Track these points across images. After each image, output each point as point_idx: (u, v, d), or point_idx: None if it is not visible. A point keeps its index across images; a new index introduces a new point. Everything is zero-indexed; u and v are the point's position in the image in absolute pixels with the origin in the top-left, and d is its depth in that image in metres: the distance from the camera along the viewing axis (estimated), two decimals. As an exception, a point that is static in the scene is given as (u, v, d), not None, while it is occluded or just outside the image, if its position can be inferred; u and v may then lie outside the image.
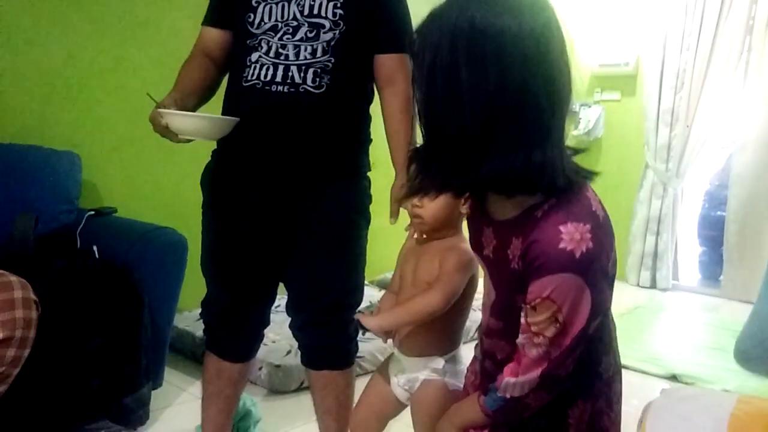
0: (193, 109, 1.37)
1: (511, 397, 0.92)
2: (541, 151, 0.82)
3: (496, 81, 0.79)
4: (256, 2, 1.39)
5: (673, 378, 2.62)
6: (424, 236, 1.27)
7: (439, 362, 1.24)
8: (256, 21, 1.39)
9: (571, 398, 0.96)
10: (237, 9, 1.42)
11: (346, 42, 1.37)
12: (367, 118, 1.50)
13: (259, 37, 1.38)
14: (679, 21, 4.31)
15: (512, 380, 0.91)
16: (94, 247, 1.91)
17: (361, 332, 1.58)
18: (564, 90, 0.88)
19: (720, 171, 5.07)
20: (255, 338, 1.60)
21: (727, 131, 4.47)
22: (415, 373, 1.25)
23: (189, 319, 2.51)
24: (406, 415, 1.32)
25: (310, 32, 1.36)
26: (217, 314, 1.55)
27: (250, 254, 1.46)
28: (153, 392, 1.91)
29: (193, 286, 2.05)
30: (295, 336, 1.55)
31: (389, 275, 1.41)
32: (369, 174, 1.53)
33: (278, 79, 1.36)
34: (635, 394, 2.47)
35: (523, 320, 0.90)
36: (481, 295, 1.09)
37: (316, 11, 1.36)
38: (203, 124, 1.29)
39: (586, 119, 4.85)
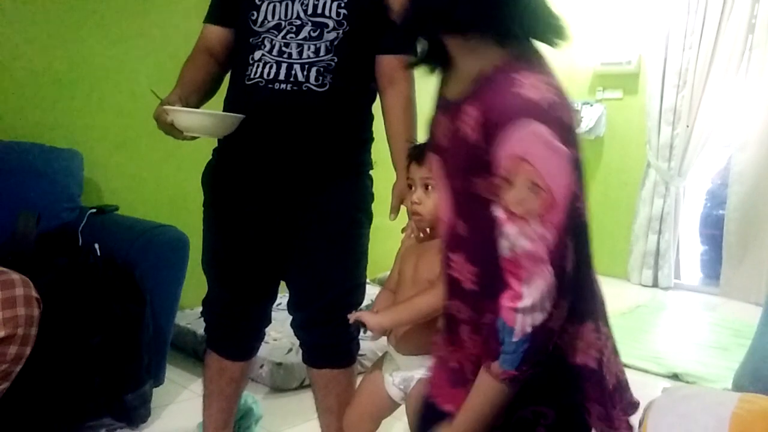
0: (196, 107, 1.38)
1: (534, 329, 0.75)
2: None
3: None
4: (259, 0, 1.39)
5: (675, 377, 2.62)
6: (423, 235, 1.27)
7: None
8: (260, 19, 1.39)
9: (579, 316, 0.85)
10: (240, 7, 1.42)
11: (350, 42, 1.37)
12: (369, 117, 1.50)
13: (263, 36, 1.38)
14: (682, 19, 4.30)
15: (521, 305, 0.75)
16: (96, 245, 1.92)
17: (362, 330, 1.58)
18: None
19: (722, 170, 5.06)
20: (256, 337, 1.60)
21: (729, 130, 4.46)
22: (410, 372, 1.25)
23: (190, 316, 2.51)
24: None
25: (314, 31, 1.36)
26: (218, 313, 1.55)
27: (251, 253, 1.46)
28: (155, 390, 1.92)
29: (195, 284, 2.05)
30: (296, 334, 1.55)
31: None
32: (371, 172, 1.53)
33: (281, 77, 1.35)
34: (636, 391, 2.46)
35: (500, 214, 0.76)
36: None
37: (320, 10, 1.36)
38: (209, 121, 1.29)
39: (587, 118, 4.84)
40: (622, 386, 0.98)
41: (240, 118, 1.32)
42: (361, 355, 1.80)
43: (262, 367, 2.20)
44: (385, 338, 1.31)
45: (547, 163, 0.74)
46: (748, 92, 4.11)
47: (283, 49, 1.36)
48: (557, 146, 0.74)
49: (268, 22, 1.38)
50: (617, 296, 4.28)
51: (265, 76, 1.36)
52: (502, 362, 0.78)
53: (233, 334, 1.56)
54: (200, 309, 2.38)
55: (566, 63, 5.05)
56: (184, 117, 1.24)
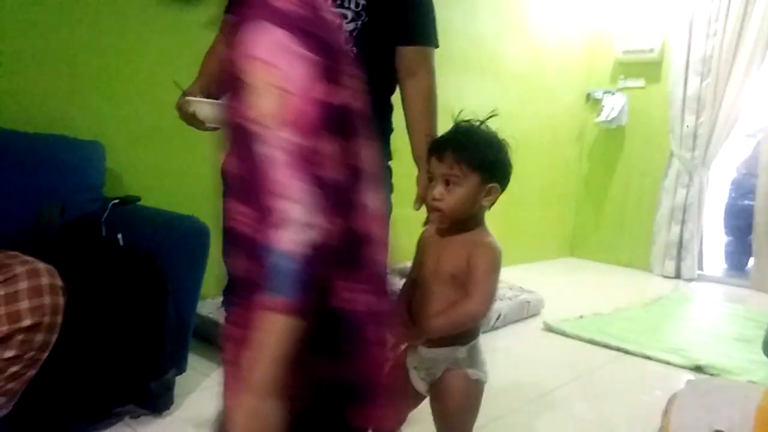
0: (217, 98, 1.38)
1: (301, 248, 0.65)
2: None
3: None
4: None
5: (698, 369, 2.59)
6: (445, 225, 1.26)
7: (461, 352, 1.23)
8: None
9: None
10: None
11: (369, 32, 1.37)
12: (388, 109, 1.50)
13: None
14: (705, 6, 4.22)
15: (281, 220, 0.65)
16: (119, 235, 1.94)
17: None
18: None
19: (747, 159, 4.97)
20: None
21: (755, 118, 4.38)
22: (435, 364, 1.25)
23: (211, 306, 2.53)
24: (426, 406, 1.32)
25: None
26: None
27: None
28: (177, 378, 1.94)
29: (216, 274, 2.07)
30: None
31: (410, 264, 1.40)
32: (390, 163, 1.52)
33: None
34: (659, 384, 2.45)
35: (249, 125, 0.70)
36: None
37: (339, 1, 1.35)
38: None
39: (609, 107, 4.78)
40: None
41: None
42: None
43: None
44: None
45: (289, 68, 0.69)
46: (775, 79, 4.02)
47: None
48: (302, 53, 0.71)
49: None
50: (639, 288, 4.23)
51: None
52: (272, 288, 0.68)
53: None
54: (221, 299, 2.39)
55: (587, 51, 4.99)
56: (206, 108, 1.25)
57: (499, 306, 2.98)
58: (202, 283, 2.04)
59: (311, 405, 0.79)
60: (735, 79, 4.18)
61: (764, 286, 4.19)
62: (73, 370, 1.63)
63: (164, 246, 1.95)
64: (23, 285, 1.39)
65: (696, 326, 3.36)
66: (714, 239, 5.06)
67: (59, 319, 1.44)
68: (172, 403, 1.88)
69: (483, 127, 1.24)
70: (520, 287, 3.41)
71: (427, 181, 1.28)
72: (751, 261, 4.43)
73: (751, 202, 4.40)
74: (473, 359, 1.25)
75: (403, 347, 1.34)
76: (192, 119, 1.27)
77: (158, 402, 1.85)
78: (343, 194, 0.73)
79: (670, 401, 1.42)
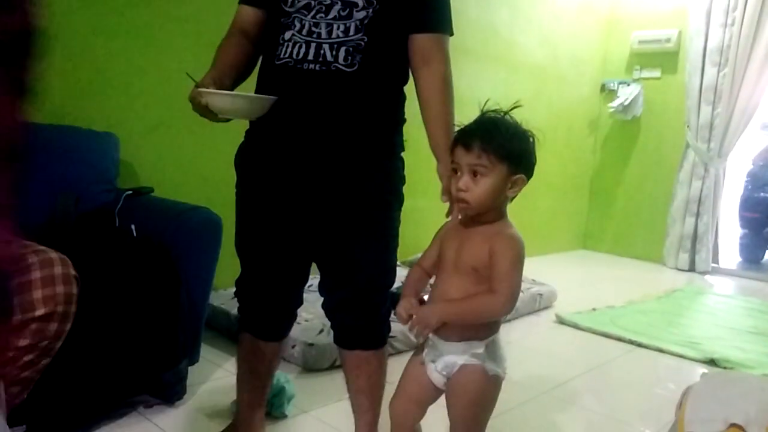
0: (230, 88, 1.38)
1: None
2: None
3: None
4: None
5: (712, 362, 2.57)
6: (471, 215, 1.25)
7: (479, 347, 1.22)
8: None
9: None
10: None
11: (380, 21, 1.35)
12: (401, 98, 1.48)
13: (293, 16, 1.37)
14: (724, -5, 4.16)
15: None
16: (132, 226, 1.95)
17: (393, 312, 1.58)
18: None
19: (764, 150, 4.91)
20: (288, 318, 1.61)
21: (772, 109, 4.32)
22: (453, 358, 1.24)
23: (224, 297, 2.55)
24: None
25: (343, 10, 1.34)
26: (251, 294, 1.56)
27: (282, 234, 1.46)
28: (190, 368, 1.95)
29: (228, 265, 2.08)
30: (327, 316, 1.55)
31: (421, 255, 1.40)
32: (402, 154, 1.51)
33: (310, 57, 1.34)
34: (672, 377, 2.43)
35: None
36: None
37: None
38: (242, 103, 1.29)
39: (624, 97, 4.73)
40: None
41: (273, 99, 1.32)
42: (392, 336, 1.80)
43: (294, 347, 2.22)
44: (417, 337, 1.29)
45: None
46: (794, 70, 3.96)
47: (313, 28, 1.35)
48: None
49: (299, 2, 1.37)
50: (652, 280, 4.20)
51: (294, 56, 1.35)
52: None
53: (266, 315, 1.57)
54: (233, 290, 2.41)
55: (602, 41, 4.94)
56: (218, 99, 1.25)
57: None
58: (214, 273, 2.05)
59: None
60: (752, 70, 4.12)
61: (780, 279, 4.14)
62: (87, 359, 1.65)
63: (177, 237, 1.96)
64: (36, 274, 1.40)
65: (710, 319, 3.33)
66: (729, 231, 5.01)
67: (72, 308, 1.45)
68: (185, 393, 1.90)
69: (508, 117, 1.23)
70: (533, 279, 3.40)
71: (451, 171, 1.26)
72: (767, 254, 4.38)
73: (767, 195, 4.34)
74: (492, 354, 1.24)
75: (420, 341, 1.33)
76: (205, 111, 1.27)
77: (171, 392, 1.86)
78: None
79: (684, 394, 1.40)
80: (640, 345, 2.76)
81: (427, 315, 1.20)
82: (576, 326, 2.98)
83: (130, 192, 2.19)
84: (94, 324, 1.62)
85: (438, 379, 1.28)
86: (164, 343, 1.83)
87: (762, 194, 4.66)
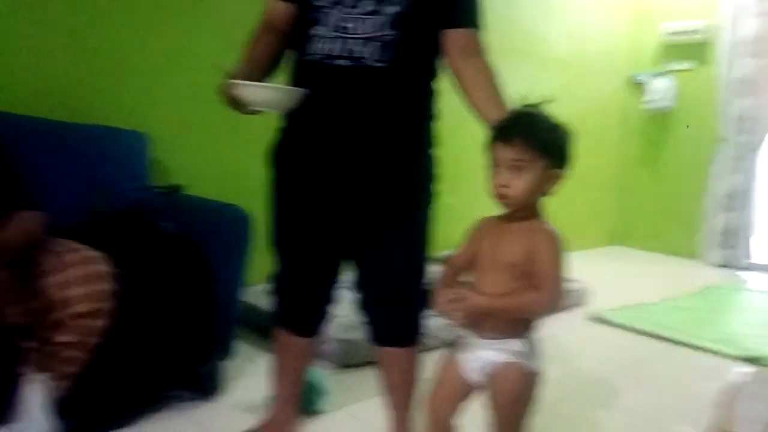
0: (260, 81, 1.38)
1: None
2: None
3: None
4: None
5: (750, 360, 2.50)
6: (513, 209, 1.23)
7: (518, 344, 1.21)
8: None
9: None
10: None
11: (411, 16, 1.34)
12: (432, 94, 1.47)
13: (322, 11, 1.36)
14: (759, -17, 4.05)
15: None
16: (164, 224, 1.97)
17: (427, 309, 1.57)
18: None
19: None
20: (321, 315, 1.62)
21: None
22: (491, 355, 1.22)
23: (254, 293, 2.56)
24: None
25: (374, 6, 1.33)
26: (285, 289, 1.57)
27: (316, 231, 1.46)
28: (224, 364, 1.97)
29: (258, 261, 2.09)
30: (361, 313, 1.56)
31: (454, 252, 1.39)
32: (434, 151, 1.50)
33: (340, 53, 1.34)
34: (709, 375, 2.38)
35: None
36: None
37: None
38: (273, 95, 1.30)
39: (655, 90, 4.65)
40: None
41: (302, 92, 1.32)
42: (425, 333, 1.79)
43: (327, 343, 2.22)
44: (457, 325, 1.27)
45: None
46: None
47: (342, 24, 1.34)
48: None
49: None
50: (687, 276, 4.12)
51: (323, 51, 1.35)
52: None
53: (299, 311, 1.58)
54: (264, 286, 2.42)
55: (631, 33, 4.85)
56: (249, 90, 1.26)
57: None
58: (245, 270, 2.07)
59: None
60: (789, 60, 4.01)
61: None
62: (125, 354, 1.67)
63: (208, 234, 1.98)
64: (77, 272, 1.43)
65: (747, 316, 3.25)
66: (765, 226, 4.89)
67: (111, 305, 1.48)
68: (219, 388, 1.92)
69: (542, 111, 1.22)
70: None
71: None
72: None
73: (806, 188, 4.23)
74: (531, 352, 1.23)
75: (457, 339, 1.31)
76: (235, 102, 1.28)
77: (206, 387, 1.89)
78: None
79: (724, 392, 1.37)
80: (675, 342, 2.70)
81: (470, 298, 1.18)
82: (610, 323, 2.93)
83: (162, 190, 2.22)
84: (131, 320, 1.64)
85: (475, 377, 1.26)
86: (198, 338, 1.85)
87: (799, 188, 4.54)
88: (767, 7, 4.03)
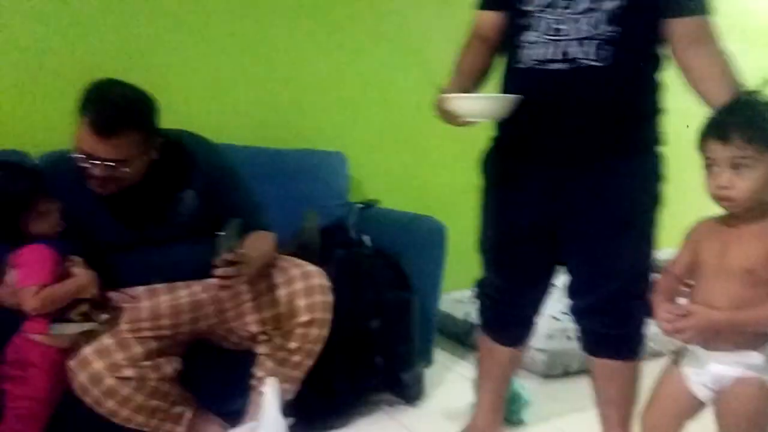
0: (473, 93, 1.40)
1: None
2: None
3: None
4: None
5: None
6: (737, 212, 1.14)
7: (755, 357, 1.11)
8: None
9: None
10: None
11: (633, 8, 1.27)
12: (656, 88, 1.37)
13: (534, 16, 1.34)
14: None
15: None
16: (366, 237, 2.10)
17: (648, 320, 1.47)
18: None
19: None
20: (525, 325, 1.60)
21: None
22: (723, 370, 1.13)
23: (449, 301, 2.62)
24: (705, 416, 1.21)
25: (592, 3, 1.28)
26: (491, 296, 1.58)
27: (527, 239, 1.45)
28: (425, 370, 2.05)
29: (452, 270, 2.14)
30: (575, 320, 1.51)
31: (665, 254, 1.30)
32: (660, 149, 1.40)
33: (556, 56, 1.31)
34: None
35: None
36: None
37: None
38: (484, 104, 1.30)
39: None
40: None
41: (517, 98, 1.30)
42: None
43: (531, 352, 2.20)
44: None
45: None
46: None
47: (557, 26, 1.31)
48: None
49: (541, 0, 1.34)
50: None
51: (538, 57, 1.33)
52: None
53: (503, 320, 1.58)
54: (459, 294, 2.47)
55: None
56: (461, 102, 1.28)
57: None
58: (442, 279, 2.13)
59: None
60: None
61: None
62: (339, 361, 1.81)
63: (406, 245, 2.07)
64: (300, 285, 1.58)
65: None
66: None
67: (329, 315, 1.61)
68: (423, 394, 1.99)
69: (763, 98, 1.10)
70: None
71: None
72: None
73: None
74: None
75: (680, 350, 1.23)
76: (448, 116, 1.30)
77: (411, 392, 1.97)
78: None
79: None
80: None
81: (701, 313, 1.10)
82: None
83: (361, 205, 2.37)
84: (343, 328, 1.77)
85: (702, 393, 1.17)
86: (402, 346, 1.94)
87: None
88: None
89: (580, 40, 1.29)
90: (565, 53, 1.30)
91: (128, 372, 1.37)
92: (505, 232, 1.48)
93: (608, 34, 1.27)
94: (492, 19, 1.47)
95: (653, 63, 1.35)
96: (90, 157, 1.36)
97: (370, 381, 1.89)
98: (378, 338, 1.89)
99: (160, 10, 2.12)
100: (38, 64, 1.93)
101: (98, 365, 1.34)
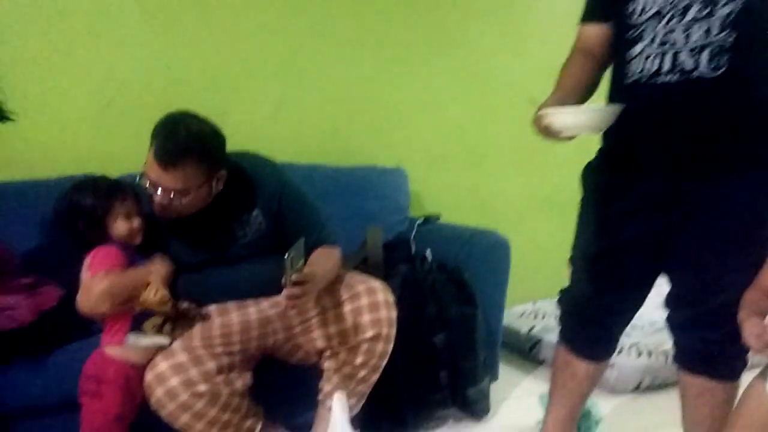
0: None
1: None
2: None
3: None
4: None
5: None
6: None
7: None
8: (638, 9, 1.30)
9: None
10: (617, 1, 1.35)
11: (751, 11, 1.19)
12: None
13: (642, 27, 1.29)
14: None
15: None
16: (428, 252, 2.11)
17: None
18: None
19: None
20: (608, 341, 1.54)
21: None
22: None
23: (512, 315, 2.59)
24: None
25: (703, 9, 1.22)
26: (577, 309, 1.53)
27: (632, 251, 1.39)
28: (491, 385, 2.02)
29: (514, 284, 2.12)
30: (673, 333, 1.44)
31: None
32: None
33: (665, 68, 1.25)
34: None
35: None
36: None
37: None
38: (581, 118, 1.26)
39: None
40: None
41: (617, 108, 1.26)
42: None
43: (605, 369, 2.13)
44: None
45: None
46: None
47: (667, 36, 1.25)
48: None
49: (648, 10, 1.28)
50: None
51: (646, 71, 1.28)
52: None
53: (586, 334, 1.53)
54: (521, 308, 2.42)
55: None
56: (559, 117, 1.24)
57: None
58: (506, 294, 2.11)
59: None
60: None
61: None
62: (404, 376, 1.82)
63: (468, 260, 2.07)
64: (364, 301, 1.60)
65: None
66: None
67: (394, 330, 1.62)
68: (489, 409, 1.97)
69: None
70: None
71: None
72: None
73: None
74: None
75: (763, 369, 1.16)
76: (547, 132, 1.27)
77: (477, 408, 1.96)
78: None
79: None
80: None
81: None
82: None
83: (421, 220, 2.38)
84: (407, 344, 1.78)
85: None
86: (467, 361, 1.93)
87: None
88: None
89: (692, 49, 1.23)
90: (676, 64, 1.24)
91: (202, 387, 1.42)
92: (608, 242, 1.42)
93: (723, 40, 1.21)
94: (597, 32, 1.42)
95: None
96: (153, 184, 1.44)
97: (435, 396, 1.89)
98: (442, 353, 1.89)
99: (226, 38, 2.22)
100: (116, 94, 2.05)
101: (174, 381, 1.40)
